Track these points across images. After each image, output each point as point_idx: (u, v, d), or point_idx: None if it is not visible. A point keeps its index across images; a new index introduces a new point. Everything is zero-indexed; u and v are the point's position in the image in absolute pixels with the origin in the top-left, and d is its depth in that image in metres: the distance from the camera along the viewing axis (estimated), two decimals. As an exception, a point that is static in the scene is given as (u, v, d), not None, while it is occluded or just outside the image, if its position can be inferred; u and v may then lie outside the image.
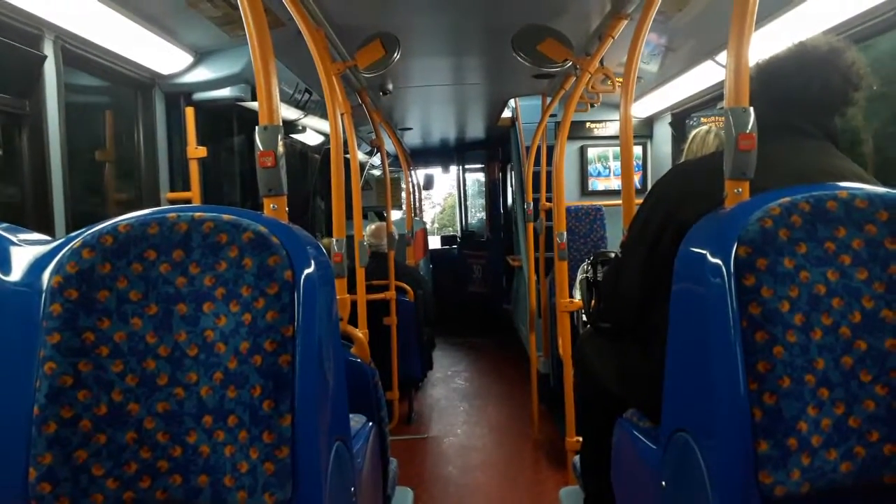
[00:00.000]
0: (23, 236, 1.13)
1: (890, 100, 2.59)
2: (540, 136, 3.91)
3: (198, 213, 1.04)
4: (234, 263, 1.02)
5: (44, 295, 1.01)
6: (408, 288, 4.19)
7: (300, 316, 1.00)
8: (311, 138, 4.65)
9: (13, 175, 1.97)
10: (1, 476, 1.00)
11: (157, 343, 1.01)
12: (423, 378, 4.79)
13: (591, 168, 4.67)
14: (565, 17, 2.44)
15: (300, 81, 3.19)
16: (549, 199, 3.92)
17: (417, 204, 8.03)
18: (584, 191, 4.66)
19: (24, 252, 1.08)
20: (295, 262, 1.01)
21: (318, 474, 0.99)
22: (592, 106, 3.25)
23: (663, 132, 4.22)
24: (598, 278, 1.72)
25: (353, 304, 2.22)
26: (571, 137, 3.67)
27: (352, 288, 2.18)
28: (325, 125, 3.89)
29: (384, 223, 4.20)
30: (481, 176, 8.90)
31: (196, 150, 2.56)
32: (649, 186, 1.94)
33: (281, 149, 1.25)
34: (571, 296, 2.73)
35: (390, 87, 3.46)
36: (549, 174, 3.76)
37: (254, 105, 2.66)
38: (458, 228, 9.24)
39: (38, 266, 1.04)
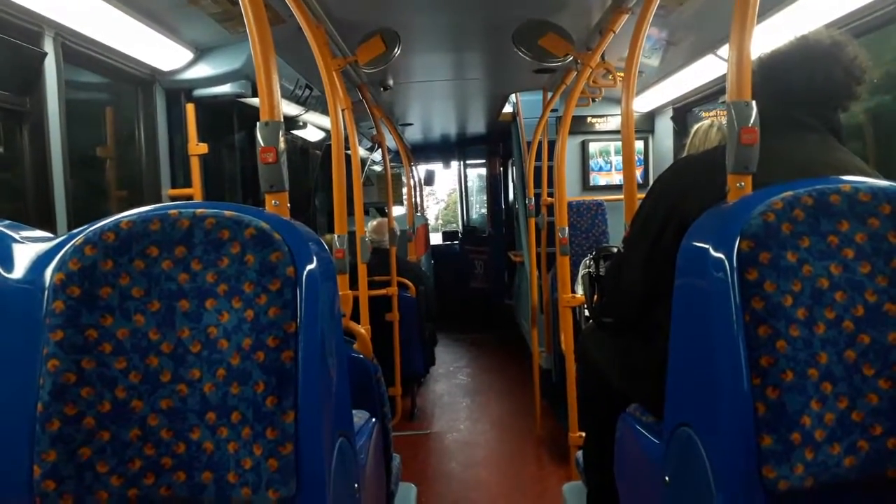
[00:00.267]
0: (25, 233, 1.12)
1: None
2: (541, 131, 3.90)
3: (199, 210, 1.04)
4: (236, 260, 1.01)
5: (46, 292, 1.01)
6: (410, 284, 4.19)
7: (302, 312, 0.99)
8: (311, 134, 4.63)
9: (14, 172, 1.97)
10: (5, 473, 1.00)
11: (159, 340, 1.00)
12: (425, 374, 4.79)
13: (592, 163, 4.65)
14: (566, 12, 2.43)
15: (301, 77, 3.18)
16: (550, 195, 3.90)
17: (419, 200, 8.02)
18: (586, 186, 4.65)
19: (27, 249, 1.08)
20: (297, 258, 1.01)
21: (321, 470, 0.99)
22: (594, 101, 3.23)
23: (665, 127, 4.21)
24: (601, 273, 1.72)
25: (356, 300, 2.22)
26: (573, 132, 3.67)
27: (354, 284, 2.18)
28: (325, 121, 3.88)
29: (385, 219, 4.20)
30: (483, 171, 8.87)
31: (197, 147, 2.56)
32: (651, 181, 1.93)
33: (282, 145, 1.25)
34: (573, 291, 2.73)
35: (391, 82, 3.46)
36: (550, 169, 3.75)
37: (254, 101, 2.66)
38: (460, 224, 9.23)
39: (40, 263, 1.04)
